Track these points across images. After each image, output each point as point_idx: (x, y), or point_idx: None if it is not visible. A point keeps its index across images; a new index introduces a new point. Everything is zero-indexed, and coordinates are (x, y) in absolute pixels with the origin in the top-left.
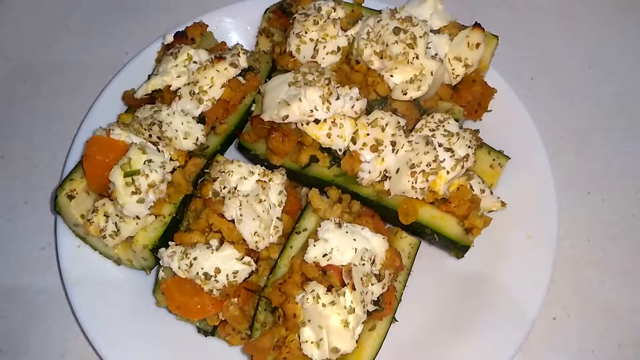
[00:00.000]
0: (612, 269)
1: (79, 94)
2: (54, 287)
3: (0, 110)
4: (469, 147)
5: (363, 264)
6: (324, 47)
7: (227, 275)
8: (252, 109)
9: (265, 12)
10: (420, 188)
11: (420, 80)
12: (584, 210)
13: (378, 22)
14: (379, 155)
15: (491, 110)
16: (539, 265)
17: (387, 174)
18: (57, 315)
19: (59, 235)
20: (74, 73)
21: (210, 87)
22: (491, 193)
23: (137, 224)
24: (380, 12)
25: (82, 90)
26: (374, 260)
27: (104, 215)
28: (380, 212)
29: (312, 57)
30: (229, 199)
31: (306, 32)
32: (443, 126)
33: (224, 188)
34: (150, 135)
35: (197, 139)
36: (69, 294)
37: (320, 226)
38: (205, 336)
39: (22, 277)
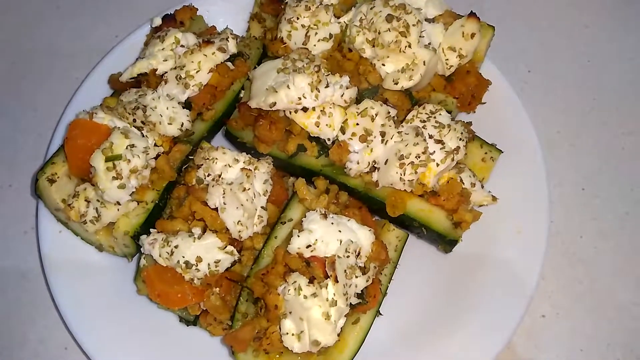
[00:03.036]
0: (603, 267)
1: (67, 76)
2: (36, 272)
3: None
4: (460, 139)
5: (347, 256)
6: (316, 33)
7: (208, 265)
8: (241, 95)
9: None
10: (408, 180)
11: (412, 70)
12: (577, 207)
13: (371, 9)
14: (367, 146)
15: (485, 103)
16: (529, 261)
17: (375, 165)
18: (37, 301)
19: (40, 220)
20: (63, 55)
21: (197, 72)
22: (482, 187)
23: (118, 210)
24: None
25: (71, 73)
26: (359, 253)
27: (85, 200)
28: (368, 203)
29: (303, 44)
30: (213, 186)
31: (298, 18)
32: (434, 117)
33: (208, 175)
34: (134, 120)
35: (182, 125)
36: (48, 280)
37: (305, 217)
38: (187, 325)
39: (4, 261)
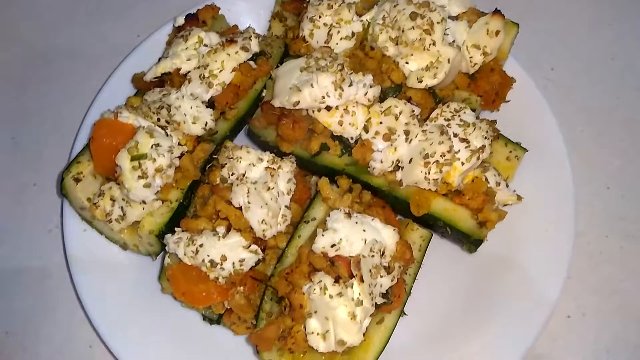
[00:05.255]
0: (630, 266)
1: (90, 76)
2: (61, 270)
3: (12, 93)
4: (485, 138)
5: (372, 256)
6: (338, 32)
7: (233, 263)
8: (263, 94)
9: None
10: (433, 179)
11: (437, 68)
12: (602, 206)
13: (394, 6)
14: (391, 145)
15: (509, 101)
16: (555, 262)
17: (399, 164)
18: (63, 300)
19: (65, 219)
20: (85, 55)
21: (220, 71)
22: (507, 186)
23: (143, 208)
24: None
25: (93, 73)
26: (383, 252)
27: (110, 199)
28: (392, 203)
29: (325, 43)
30: (237, 185)
31: (320, 17)
32: (459, 116)
33: (232, 174)
34: (158, 119)
35: (205, 124)
36: (74, 278)
37: (329, 216)
38: (211, 324)
39: (29, 260)
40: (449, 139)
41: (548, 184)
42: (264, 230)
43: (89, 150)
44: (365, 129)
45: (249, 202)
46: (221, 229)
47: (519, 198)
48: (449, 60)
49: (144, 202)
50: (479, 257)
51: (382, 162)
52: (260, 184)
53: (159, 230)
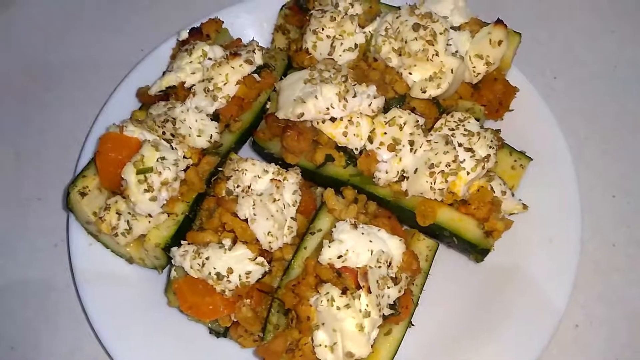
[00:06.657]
0: (637, 274)
1: (92, 89)
2: (66, 284)
3: (14, 106)
4: (490, 147)
5: (379, 267)
6: (341, 44)
7: (239, 276)
8: (267, 106)
9: (281, 9)
10: (439, 189)
11: (440, 78)
12: (608, 214)
13: (397, 18)
14: (396, 155)
15: (513, 110)
16: (562, 271)
17: (404, 174)
18: (68, 313)
19: (71, 233)
20: (87, 68)
21: (224, 84)
22: (512, 195)
23: (149, 222)
24: (399, 8)
25: (95, 86)
26: (390, 263)
27: (116, 213)
28: (397, 213)
29: (328, 54)
30: (243, 197)
31: (323, 29)
32: (463, 125)
33: (238, 187)
34: (163, 133)
35: (210, 137)
36: (80, 292)
37: (335, 227)
38: (217, 337)
39: (34, 274)
40: (454, 148)
41: (553, 192)
42: (270, 242)
43: (95, 165)
44: (370, 140)
45: (254, 214)
46: (227, 242)
47: (525, 207)
48: (452, 70)
49: (149, 215)
50: (486, 266)
51: (387, 172)
52: (265, 196)
53: (165, 244)
